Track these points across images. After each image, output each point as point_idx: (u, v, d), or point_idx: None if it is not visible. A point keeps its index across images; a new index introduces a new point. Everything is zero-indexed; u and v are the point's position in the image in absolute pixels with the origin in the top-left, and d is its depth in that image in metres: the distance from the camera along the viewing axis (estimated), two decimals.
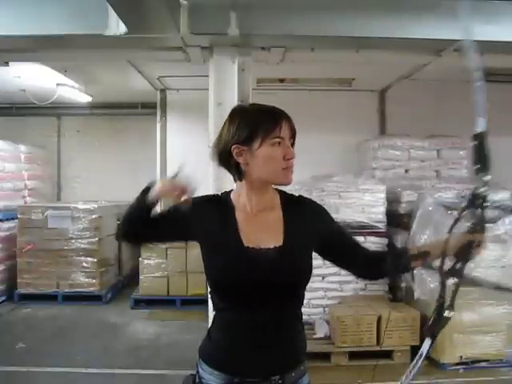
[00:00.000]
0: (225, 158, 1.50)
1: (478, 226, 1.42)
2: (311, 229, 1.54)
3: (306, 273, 1.51)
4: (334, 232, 1.61)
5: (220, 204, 1.55)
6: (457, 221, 1.44)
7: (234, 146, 1.46)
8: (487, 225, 1.43)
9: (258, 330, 1.44)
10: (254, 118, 1.47)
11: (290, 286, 1.47)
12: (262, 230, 1.50)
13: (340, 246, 1.60)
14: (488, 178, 1.42)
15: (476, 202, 1.42)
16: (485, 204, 1.41)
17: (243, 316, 1.43)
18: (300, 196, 1.64)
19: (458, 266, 1.43)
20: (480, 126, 1.48)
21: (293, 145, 1.50)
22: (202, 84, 4.71)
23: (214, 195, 1.63)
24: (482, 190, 1.42)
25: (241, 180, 1.52)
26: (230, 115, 1.54)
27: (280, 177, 1.48)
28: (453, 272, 1.43)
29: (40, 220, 6.46)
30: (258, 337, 1.44)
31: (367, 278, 1.74)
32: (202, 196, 1.60)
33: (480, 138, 1.47)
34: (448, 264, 1.44)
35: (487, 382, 3.91)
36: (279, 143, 1.45)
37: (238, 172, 1.51)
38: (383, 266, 1.51)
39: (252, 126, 1.45)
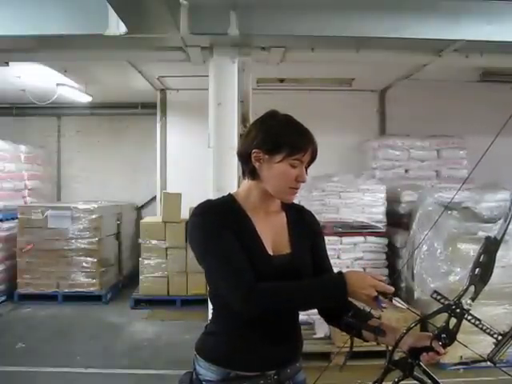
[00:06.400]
0: (244, 157, 1.52)
1: (447, 339, 1.30)
2: (309, 239, 1.60)
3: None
4: (320, 253, 1.63)
5: (232, 210, 1.51)
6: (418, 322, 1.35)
7: (254, 150, 1.47)
8: (455, 340, 1.31)
9: (263, 327, 1.46)
10: (285, 134, 1.47)
11: None
12: (274, 235, 1.53)
13: (315, 267, 1.58)
14: (470, 302, 1.28)
15: (455, 310, 1.29)
16: (464, 317, 1.28)
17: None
18: (299, 204, 1.69)
19: (409, 360, 1.36)
20: (499, 231, 1.30)
21: (308, 168, 1.52)
22: (202, 84, 4.71)
23: (219, 202, 1.55)
24: (466, 301, 1.28)
25: (252, 179, 1.53)
26: (263, 120, 1.54)
27: (284, 194, 1.52)
28: (400, 363, 1.36)
29: (40, 220, 6.46)
30: (262, 333, 1.47)
31: (322, 316, 1.70)
32: (212, 206, 1.51)
33: (494, 245, 1.30)
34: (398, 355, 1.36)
35: (487, 382, 3.91)
36: (297, 165, 1.47)
37: (251, 174, 1.52)
38: (339, 317, 1.47)
39: (280, 141, 1.46)
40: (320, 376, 1.55)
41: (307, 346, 1.62)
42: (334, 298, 1.40)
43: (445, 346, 1.31)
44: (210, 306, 1.60)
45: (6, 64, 4.91)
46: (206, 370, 1.48)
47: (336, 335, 4.28)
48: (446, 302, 1.31)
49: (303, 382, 1.58)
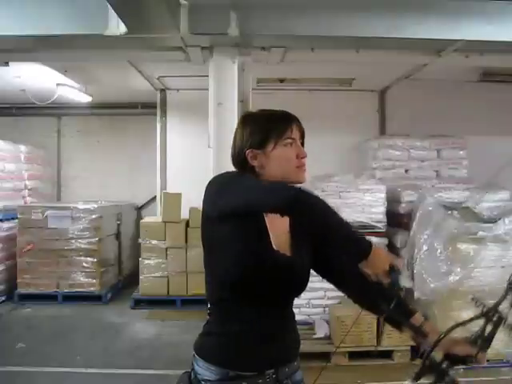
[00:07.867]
0: (239, 162, 1.56)
1: (483, 344, 1.33)
2: (310, 243, 1.60)
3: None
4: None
5: None
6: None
7: (248, 151, 1.52)
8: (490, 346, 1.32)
9: (261, 326, 1.48)
10: (266, 122, 1.54)
11: (300, 291, 1.58)
12: (277, 237, 1.52)
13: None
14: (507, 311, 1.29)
15: (492, 317, 1.31)
16: (500, 324, 1.30)
17: (253, 313, 1.46)
18: None
19: (444, 365, 1.35)
20: None
21: (302, 145, 1.57)
22: (202, 84, 4.71)
23: None
24: (504, 310, 1.30)
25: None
26: (242, 122, 1.61)
27: (294, 175, 1.54)
28: (433, 367, 1.35)
29: (40, 220, 6.46)
30: (260, 332, 1.48)
31: (350, 296, 1.71)
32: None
33: None
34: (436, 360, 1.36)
35: (487, 382, 3.91)
36: (291, 144, 1.52)
37: (253, 174, 1.54)
38: (380, 303, 1.46)
39: (265, 130, 1.52)
40: (319, 375, 1.55)
41: (307, 346, 1.63)
42: (359, 251, 1.36)
43: (480, 351, 1.34)
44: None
45: (6, 64, 4.91)
46: (204, 370, 1.48)
47: (336, 335, 4.28)
48: (485, 309, 1.31)
49: (301, 381, 1.59)
